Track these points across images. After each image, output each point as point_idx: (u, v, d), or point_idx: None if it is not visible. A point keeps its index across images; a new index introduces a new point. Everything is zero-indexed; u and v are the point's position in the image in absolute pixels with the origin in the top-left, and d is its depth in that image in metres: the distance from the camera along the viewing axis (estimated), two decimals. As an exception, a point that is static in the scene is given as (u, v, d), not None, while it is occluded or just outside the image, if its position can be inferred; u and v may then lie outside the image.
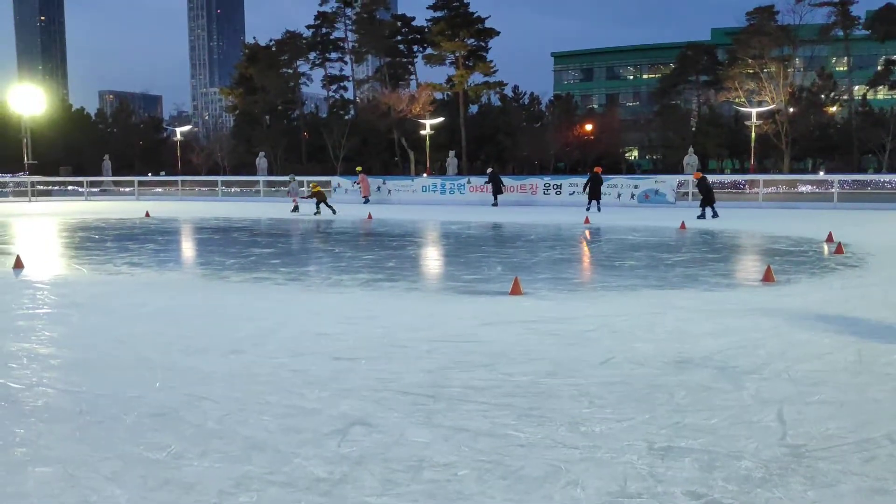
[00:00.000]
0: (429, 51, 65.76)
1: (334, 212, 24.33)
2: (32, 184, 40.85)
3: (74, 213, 26.75)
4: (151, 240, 16.58)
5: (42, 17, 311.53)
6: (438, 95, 65.46)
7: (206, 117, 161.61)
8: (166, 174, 56.62)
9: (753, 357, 5.61)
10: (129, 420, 4.28)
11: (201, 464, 3.65)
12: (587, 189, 25.07)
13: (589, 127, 64.40)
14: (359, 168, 35.89)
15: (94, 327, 7.01)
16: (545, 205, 29.11)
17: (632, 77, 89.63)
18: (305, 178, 35.19)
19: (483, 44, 64.79)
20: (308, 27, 68.22)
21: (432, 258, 13.73)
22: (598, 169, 26.07)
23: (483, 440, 3.93)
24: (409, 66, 69.96)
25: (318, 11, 67.79)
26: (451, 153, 48.30)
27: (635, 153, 76.52)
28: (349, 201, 33.20)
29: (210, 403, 4.58)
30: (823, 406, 4.45)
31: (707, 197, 21.34)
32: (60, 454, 3.78)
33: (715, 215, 20.84)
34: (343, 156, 61.01)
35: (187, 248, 16.01)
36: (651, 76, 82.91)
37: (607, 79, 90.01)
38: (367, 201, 32.63)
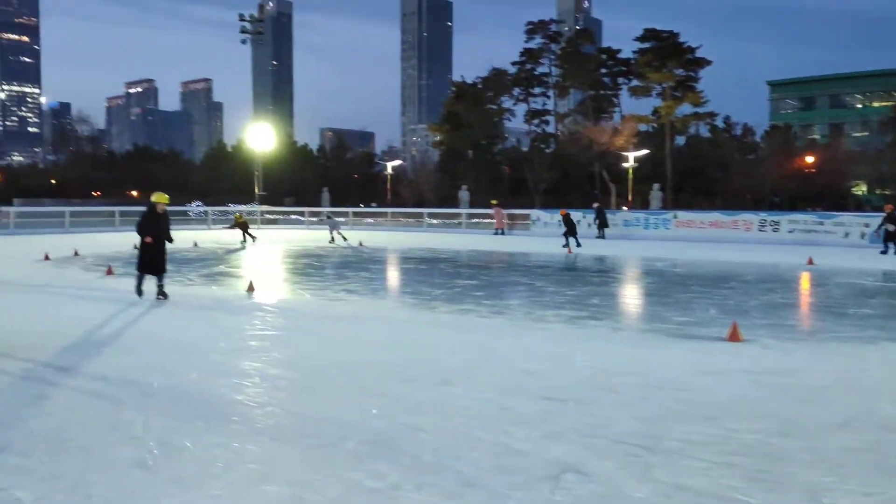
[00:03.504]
0: (634, 82, 64.50)
1: (254, 239, 26.61)
2: (262, 213, 45.17)
3: (297, 240, 29.10)
4: (365, 268, 17.57)
5: (274, 62, 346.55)
6: (643, 127, 63.92)
7: (414, 152, 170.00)
8: (377, 205, 60.07)
9: None
10: (349, 446, 4.47)
11: (418, 496, 3.70)
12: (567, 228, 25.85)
13: (810, 159, 59.59)
14: (494, 201, 37.35)
15: (316, 351, 7.47)
16: (760, 243, 27.20)
17: (860, 105, 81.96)
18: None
19: (693, 74, 62.38)
20: (513, 63, 69.74)
21: (638, 297, 13.26)
22: (563, 212, 27.34)
23: (707, 502, 3.64)
24: (613, 99, 69.08)
25: (524, 48, 69.16)
26: (656, 186, 46.80)
27: (863, 188, 69.58)
28: (545, 234, 33.19)
29: (424, 435, 4.67)
30: None
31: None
32: (289, 475, 4.01)
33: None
34: (543, 189, 61.31)
35: (397, 278, 16.75)
36: (883, 104, 75.24)
37: (831, 107, 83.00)
38: (499, 232, 33.89)
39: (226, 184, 73.08)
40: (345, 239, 27.51)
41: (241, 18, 60.04)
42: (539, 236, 32.63)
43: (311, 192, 64.33)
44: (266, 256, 21.61)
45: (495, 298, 11.88)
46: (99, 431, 4.72)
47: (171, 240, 11.42)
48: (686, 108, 62.91)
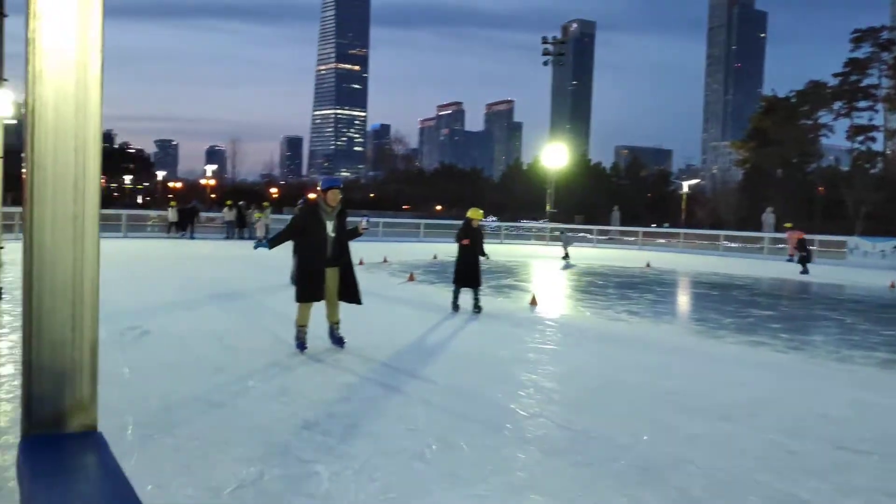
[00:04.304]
0: None
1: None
2: (550, 229, 46.12)
3: (583, 258, 29.23)
4: (650, 290, 17.11)
5: (574, 82, 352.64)
6: None
7: (715, 171, 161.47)
8: (669, 226, 58.14)
9: None
10: (616, 468, 4.42)
11: (681, 531, 3.55)
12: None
13: None
14: (788, 224, 33.92)
15: (592, 369, 7.47)
16: None
17: None
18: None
19: None
20: (835, 75, 63.15)
21: (979, 344, 11.20)
22: (800, 235, 27.48)
23: None
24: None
25: (849, 58, 62.27)
26: None
27: None
28: (863, 265, 29.51)
29: (695, 469, 4.45)
30: None
31: None
32: (553, 487, 4.08)
33: None
34: (865, 213, 54.50)
35: (684, 302, 16.07)
36: None
37: None
38: (792, 259, 29.66)
39: (519, 200, 75.97)
40: (566, 257, 27.41)
41: (545, 41, 62.01)
42: (856, 266, 29.07)
43: (602, 211, 64.24)
44: (552, 272, 22.05)
45: (794, 332, 10.85)
46: (387, 421, 5.22)
47: (485, 255, 11.51)
48: None
